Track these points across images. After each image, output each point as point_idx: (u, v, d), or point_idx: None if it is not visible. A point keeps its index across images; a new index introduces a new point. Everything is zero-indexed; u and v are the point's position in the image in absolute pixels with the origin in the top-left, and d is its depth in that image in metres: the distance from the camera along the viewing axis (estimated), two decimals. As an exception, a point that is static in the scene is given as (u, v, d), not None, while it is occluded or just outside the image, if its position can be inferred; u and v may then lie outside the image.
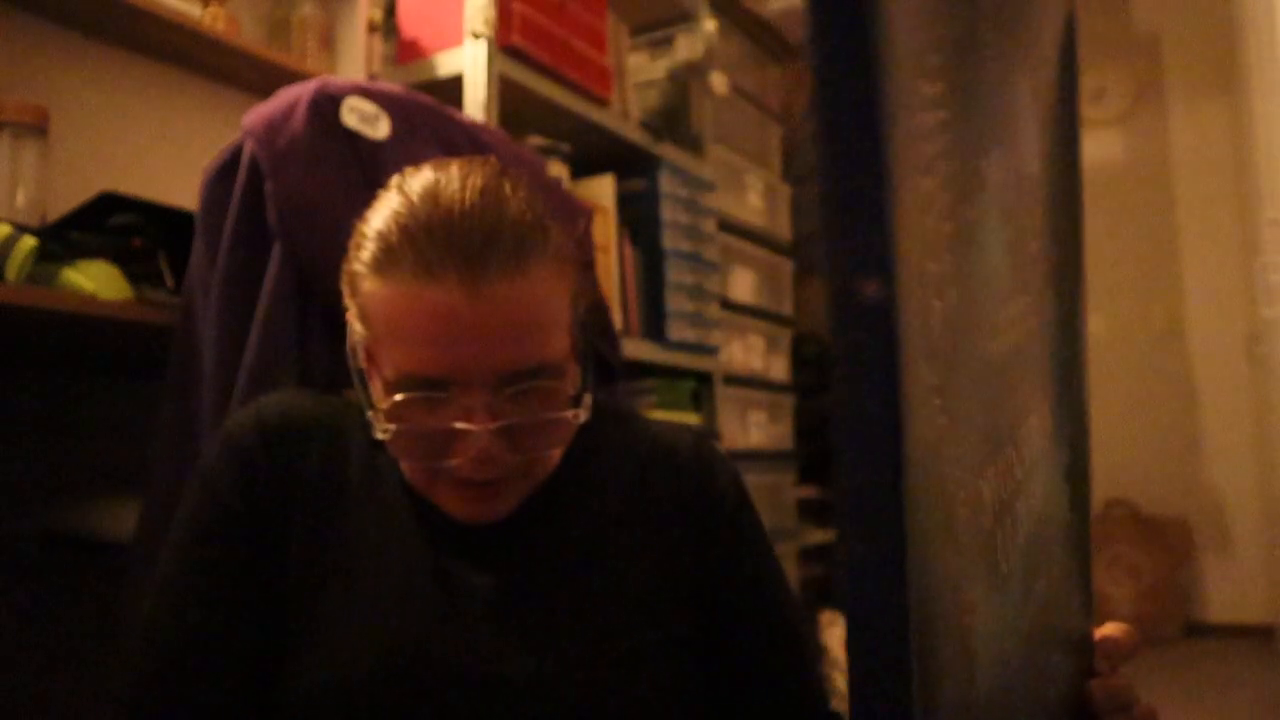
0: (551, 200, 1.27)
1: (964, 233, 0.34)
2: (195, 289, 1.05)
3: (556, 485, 0.71)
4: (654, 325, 2.01)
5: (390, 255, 0.62)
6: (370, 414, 0.65)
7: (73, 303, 1.00)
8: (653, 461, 0.77)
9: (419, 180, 0.66)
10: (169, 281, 1.15)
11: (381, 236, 0.63)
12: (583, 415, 0.66)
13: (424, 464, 0.66)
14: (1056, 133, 0.46)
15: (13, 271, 0.99)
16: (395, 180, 0.68)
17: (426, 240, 0.61)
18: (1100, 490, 3.69)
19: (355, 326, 0.67)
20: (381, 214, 0.65)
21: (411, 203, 0.64)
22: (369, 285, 0.64)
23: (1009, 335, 0.39)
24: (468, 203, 0.63)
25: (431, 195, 0.64)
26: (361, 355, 0.68)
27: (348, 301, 0.68)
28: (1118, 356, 3.77)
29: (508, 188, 0.66)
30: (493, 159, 0.70)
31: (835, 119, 0.26)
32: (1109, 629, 0.55)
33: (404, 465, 0.68)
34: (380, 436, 0.64)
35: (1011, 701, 0.40)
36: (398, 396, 0.62)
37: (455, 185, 0.64)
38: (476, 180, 0.65)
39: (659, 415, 1.92)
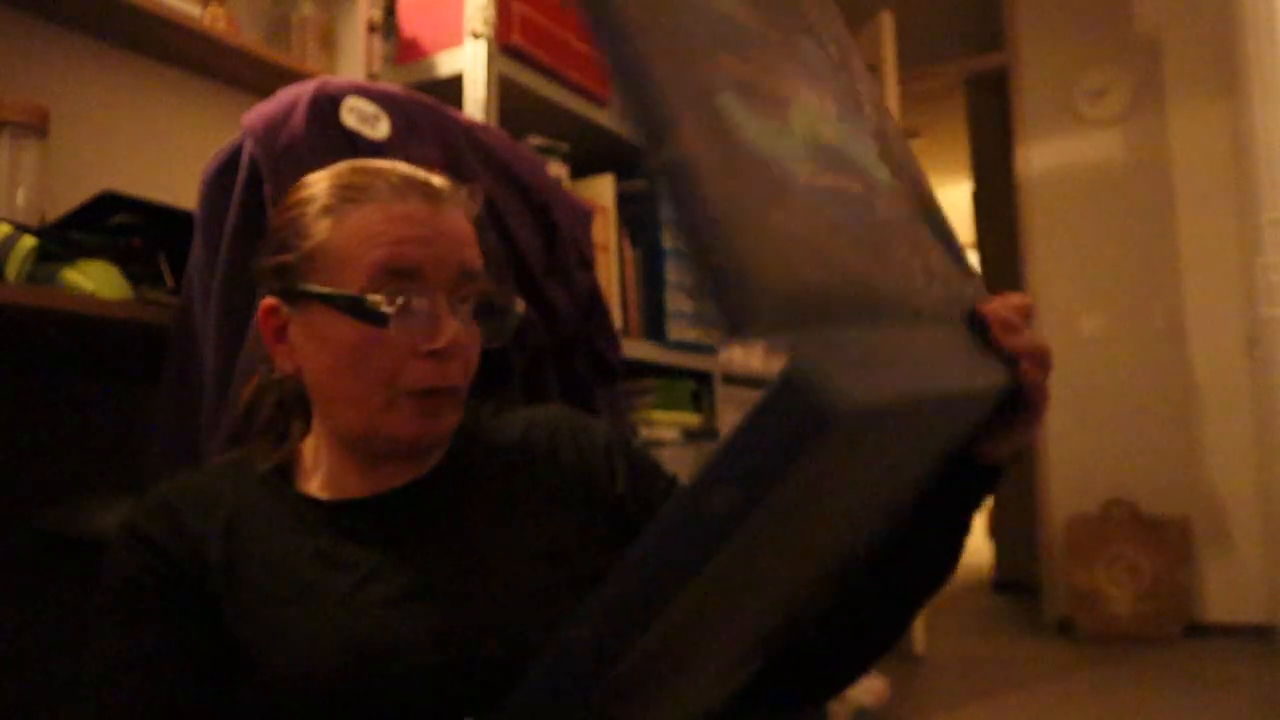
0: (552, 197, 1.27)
1: None
2: (195, 289, 1.05)
3: (439, 469, 0.77)
4: (654, 325, 2.01)
5: (357, 190, 0.71)
6: (366, 300, 0.68)
7: (72, 302, 1.00)
8: (531, 434, 0.82)
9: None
10: (169, 281, 1.15)
11: (339, 184, 0.72)
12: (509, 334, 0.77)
13: (404, 357, 0.69)
14: None
15: (13, 271, 0.99)
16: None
17: (391, 173, 0.72)
18: (1100, 490, 3.69)
19: (311, 285, 0.70)
20: (323, 176, 0.74)
21: (352, 165, 0.75)
22: (328, 223, 0.70)
23: None
24: (403, 168, 0.74)
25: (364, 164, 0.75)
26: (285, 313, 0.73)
27: (282, 265, 0.72)
28: (1118, 356, 3.77)
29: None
30: None
31: None
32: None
33: (357, 396, 0.71)
34: (385, 310, 0.68)
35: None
36: (380, 295, 0.68)
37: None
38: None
39: (659, 415, 1.92)
